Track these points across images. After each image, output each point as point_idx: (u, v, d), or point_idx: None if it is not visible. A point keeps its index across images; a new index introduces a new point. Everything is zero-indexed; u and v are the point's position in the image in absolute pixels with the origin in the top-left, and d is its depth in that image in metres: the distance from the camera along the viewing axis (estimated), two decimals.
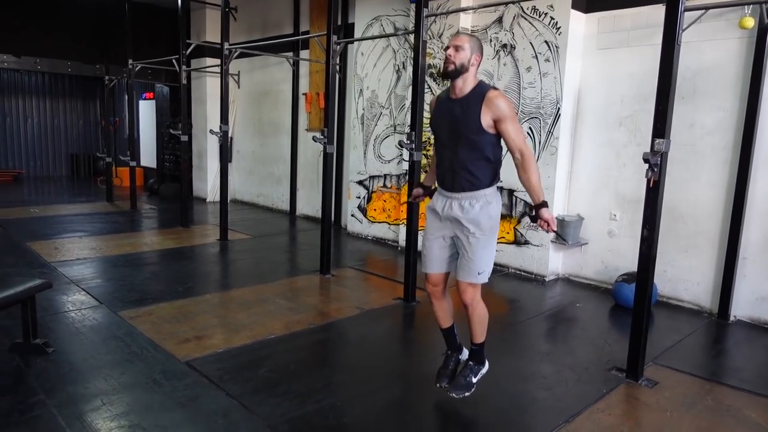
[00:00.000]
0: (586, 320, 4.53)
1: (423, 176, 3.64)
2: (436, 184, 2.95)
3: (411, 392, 3.17)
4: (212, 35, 9.85)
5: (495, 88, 2.73)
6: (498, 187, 2.84)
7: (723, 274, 4.53)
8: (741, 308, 4.52)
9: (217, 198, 10.22)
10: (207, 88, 10.18)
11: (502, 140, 2.74)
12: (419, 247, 5.00)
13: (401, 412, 2.96)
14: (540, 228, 2.60)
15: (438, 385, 2.97)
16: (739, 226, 4.42)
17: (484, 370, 2.98)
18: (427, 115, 5.70)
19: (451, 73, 2.70)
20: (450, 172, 2.78)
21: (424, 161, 5.28)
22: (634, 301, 3.40)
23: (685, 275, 4.81)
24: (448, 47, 2.72)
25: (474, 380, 2.92)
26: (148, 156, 12.42)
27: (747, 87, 4.34)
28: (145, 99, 12.77)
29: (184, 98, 7.68)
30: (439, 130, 2.86)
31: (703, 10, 3.56)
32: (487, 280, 2.81)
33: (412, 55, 6.27)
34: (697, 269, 4.75)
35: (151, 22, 10.83)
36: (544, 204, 2.65)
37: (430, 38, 5.98)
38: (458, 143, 2.73)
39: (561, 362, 3.60)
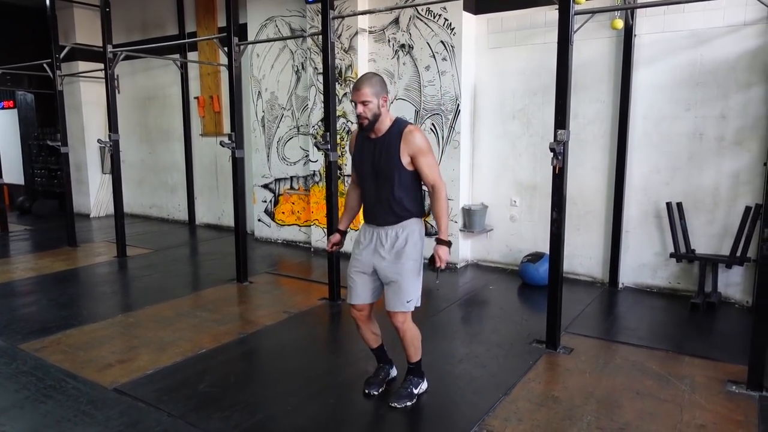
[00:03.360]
0: (500, 300, 4.87)
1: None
2: (362, 218, 2.98)
3: (356, 388, 3.22)
4: (82, 37, 9.09)
5: (411, 124, 2.81)
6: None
7: (611, 247, 5.10)
8: (627, 276, 5.12)
9: (102, 213, 9.58)
10: (81, 95, 9.34)
11: None
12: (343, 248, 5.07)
13: (352, 407, 3.02)
14: (432, 261, 2.76)
15: (366, 391, 3.05)
16: (621, 203, 5.01)
17: (424, 386, 3.07)
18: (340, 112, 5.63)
19: (368, 127, 2.75)
20: (376, 206, 2.84)
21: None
22: (549, 278, 3.74)
23: (578, 251, 5.34)
24: (355, 104, 2.71)
25: (415, 392, 3.00)
26: (12, 172, 11.08)
27: (619, 80, 4.92)
28: (3, 108, 11.42)
29: (60, 106, 7.01)
30: (361, 169, 2.89)
31: (591, 14, 3.98)
32: (414, 308, 2.88)
33: (313, 56, 6.32)
34: (589, 245, 5.30)
35: (7, 23, 9.72)
36: (445, 243, 2.75)
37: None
38: (382, 181, 2.79)
39: (488, 341, 3.87)
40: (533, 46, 5.35)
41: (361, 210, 3.02)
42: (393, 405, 2.94)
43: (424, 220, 2.99)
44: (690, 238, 4.71)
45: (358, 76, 2.82)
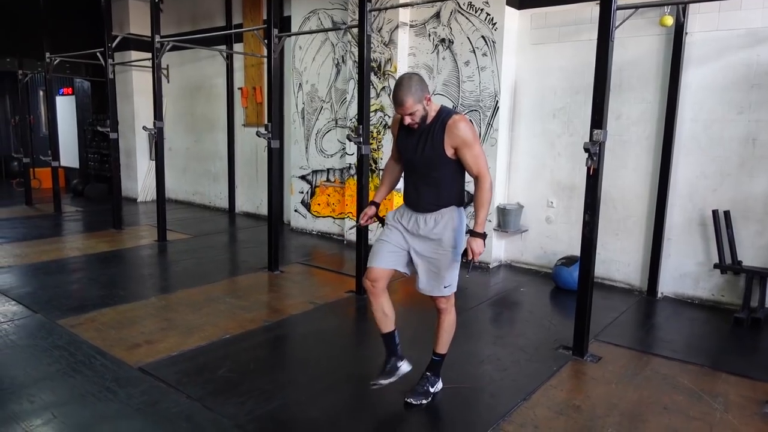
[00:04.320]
0: (530, 303, 4.76)
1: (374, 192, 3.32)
2: (402, 198, 2.97)
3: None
4: (136, 27, 9.41)
5: (456, 113, 2.73)
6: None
7: (651, 254, 4.89)
8: (667, 285, 4.90)
9: (149, 198, 9.92)
10: (133, 83, 9.71)
11: None
12: (371, 240, 5.07)
13: (367, 402, 3.00)
14: (464, 253, 2.68)
15: (372, 383, 2.92)
16: (664, 209, 4.79)
17: (439, 386, 3.02)
18: (375, 110, 5.60)
19: (420, 127, 2.71)
20: (415, 192, 2.83)
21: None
22: (578, 283, 3.62)
23: (616, 257, 5.14)
24: (403, 116, 2.67)
25: (432, 390, 2.97)
26: (69, 155, 11.66)
27: (667, 80, 4.69)
28: (62, 95, 11.98)
29: (111, 94, 7.29)
30: (405, 153, 2.86)
31: (634, 9, 3.81)
32: (455, 290, 2.88)
33: (353, 49, 6.32)
34: (627, 251, 5.10)
35: (69, 13, 10.15)
36: (480, 235, 2.64)
37: (371, 32, 6.01)
38: (423, 169, 2.77)
39: (513, 344, 3.78)
40: (577, 43, 5.17)
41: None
42: (409, 401, 2.91)
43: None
44: (737, 248, 4.46)
45: (396, 80, 2.68)
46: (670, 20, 4.37)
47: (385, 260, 2.85)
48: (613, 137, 4.96)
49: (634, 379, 3.28)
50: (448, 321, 2.94)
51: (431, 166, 2.74)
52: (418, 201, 2.81)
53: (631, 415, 2.86)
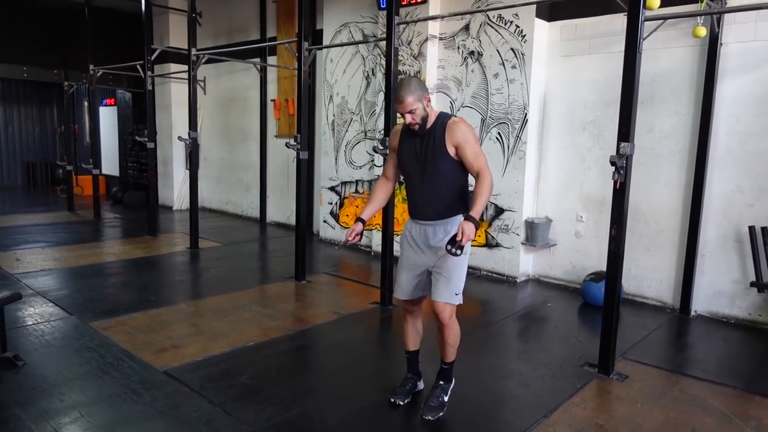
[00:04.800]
0: (557, 319, 4.67)
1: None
2: (407, 213, 2.97)
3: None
4: (175, 40, 9.72)
5: (455, 116, 2.81)
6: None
7: (683, 271, 4.75)
8: (701, 303, 4.74)
9: (184, 206, 10.17)
10: (171, 95, 10.02)
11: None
12: (396, 252, 5.08)
13: (385, 413, 2.99)
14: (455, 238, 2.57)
15: (392, 400, 3.01)
16: (697, 225, 4.65)
17: (452, 386, 3.03)
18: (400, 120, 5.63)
19: (420, 130, 2.77)
20: (420, 202, 2.86)
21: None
22: (604, 299, 3.54)
23: (648, 273, 5.01)
24: (403, 115, 2.73)
25: (446, 399, 2.97)
26: (110, 164, 12.10)
27: (701, 92, 4.58)
28: (105, 105, 12.46)
29: (149, 105, 7.55)
30: (406, 163, 2.88)
31: (662, 20, 3.75)
32: (462, 301, 2.87)
33: (383, 62, 6.38)
34: (659, 267, 4.96)
35: (112, 27, 10.60)
36: (473, 220, 2.56)
37: (400, 45, 6.06)
38: (426, 175, 2.79)
39: (536, 360, 3.72)
40: (608, 55, 5.10)
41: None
42: (427, 418, 2.88)
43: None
44: None
45: (397, 85, 2.79)
46: (703, 31, 4.28)
47: (414, 291, 2.95)
48: (645, 150, 4.88)
49: (661, 400, 3.18)
50: (452, 335, 2.91)
51: (434, 169, 2.77)
52: (424, 209, 2.84)
53: None
